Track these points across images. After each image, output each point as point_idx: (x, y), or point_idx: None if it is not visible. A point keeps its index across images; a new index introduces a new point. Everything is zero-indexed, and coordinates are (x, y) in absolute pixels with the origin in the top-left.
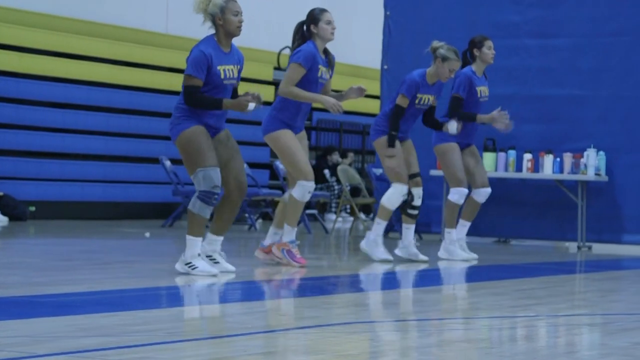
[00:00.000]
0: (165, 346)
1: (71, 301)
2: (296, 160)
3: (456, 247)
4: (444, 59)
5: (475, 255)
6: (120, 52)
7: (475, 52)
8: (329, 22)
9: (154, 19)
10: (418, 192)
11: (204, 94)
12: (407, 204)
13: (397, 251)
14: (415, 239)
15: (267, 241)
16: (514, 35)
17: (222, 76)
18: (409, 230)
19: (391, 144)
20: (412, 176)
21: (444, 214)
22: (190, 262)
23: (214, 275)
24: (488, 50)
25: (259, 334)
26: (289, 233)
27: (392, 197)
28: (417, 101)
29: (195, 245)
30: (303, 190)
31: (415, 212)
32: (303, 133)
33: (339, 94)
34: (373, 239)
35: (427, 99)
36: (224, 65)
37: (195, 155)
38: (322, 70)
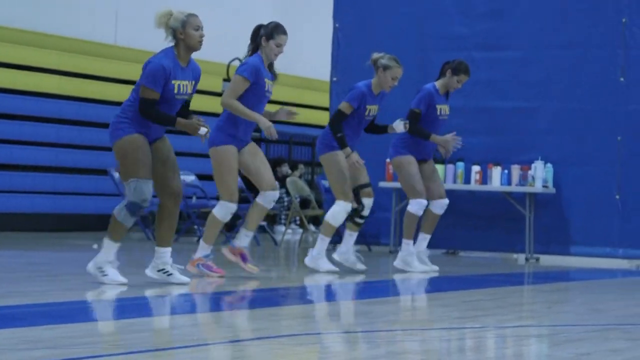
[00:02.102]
0: (110, 358)
1: (14, 313)
2: (224, 180)
3: (414, 259)
4: (385, 67)
5: (435, 267)
6: (69, 63)
7: (448, 73)
8: (279, 45)
9: (102, 30)
10: (369, 202)
11: (158, 107)
12: (356, 212)
13: (334, 255)
14: (354, 250)
15: (237, 242)
16: (461, 48)
17: (176, 91)
18: (351, 237)
19: (343, 146)
20: (363, 186)
21: (404, 225)
22: (101, 267)
23: (123, 284)
24: (457, 83)
25: (204, 346)
26: (204, 249)
27: (337, 214)
28: (366, 113)
29: (110, 249)
30: (226, 210)
31: (362, 221)
32: (253, 146)
33: (269, 113)
34: (316, 255)
35: (375, 109)
36: (180, 80)
37: (132, 164)
38: (269, 84)
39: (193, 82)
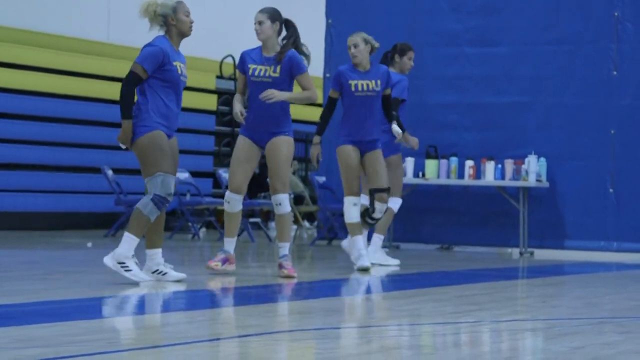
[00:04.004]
0: (105, 356)
1: (9, 312)
2: (229, 171)
3: (383, 253)
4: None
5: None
6: (62, 62)
7: (397, 58)
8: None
9: (95, 28)
10: (380, 207)
11: (156, 93)
12: (367, 212)
13: (343, 242)
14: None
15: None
16: (454, 44)
17: (179, 72)
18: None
19: (318, 132)
20: (377, 190)
21: (382, 221)
22: (124, 263)
23: (146, 281)
24: (410, 61)
25: (199, 343)
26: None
27: (346, 212)
28: (352, 88)
29: (132, 244)
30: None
31: (372, 222)
32: (273, 142)
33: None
34: (373, 251)
35: (364, 84)
36: (178, 62)
37: (159, 158)
38: (261, 68)
39: (185, 67)
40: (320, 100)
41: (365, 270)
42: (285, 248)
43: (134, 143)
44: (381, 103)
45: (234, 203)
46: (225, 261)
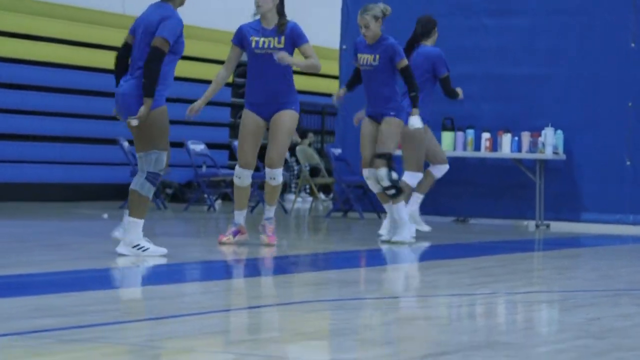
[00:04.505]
0: (121, 326)
1: (25, 282)
2: (238, 147)
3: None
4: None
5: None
6: (78, 33)
7: (433, 33)
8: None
9: (111, 0)
10: (381, 174)
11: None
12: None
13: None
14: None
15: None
16: (472, 15)
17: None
18: (394, 208)
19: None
20: (376, 156)
21: (424, 181)
22: (138, 244)
23: (164, 255)
24: (436, 32)
25: (214, 313)
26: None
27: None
28: (361, 62)
29: (138, 227)
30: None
31: (390, 192)
32: (278, 114)
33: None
34: (410, 210)
35: (369, 58)
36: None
37: (160, 136)
38: (265, 40)
39: None
40: (335, 72)
41: (395, 243)
42: (271, 211)
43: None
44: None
45: (244, 178)
46: (236, 233)
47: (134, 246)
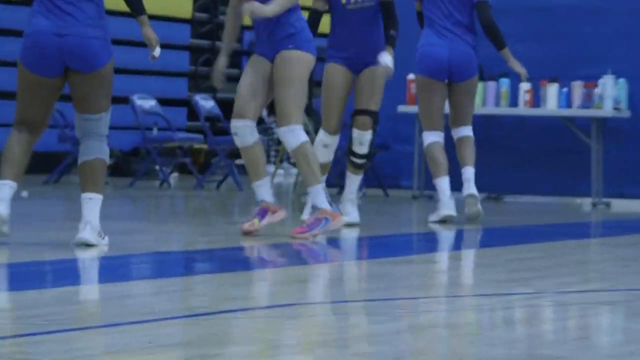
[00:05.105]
0: (47, 337)
1: None
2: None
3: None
4: None
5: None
6: None
7: None
8: None
9: None
10: (359, 135)
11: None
12: (348, 149)
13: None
14: (360, 195)
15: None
16: None
17: None
18: (350, 181)
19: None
20: (357, 112)
21: (468, 152)
22: (100, 231)
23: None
24: None
25: (169, 320)
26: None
27: (316, 149)
28: (341, 0)
29: (98, 206)
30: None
31: (360, 161)
32: (277, 60)
33: None
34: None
35: None
36: None
37: (110, 93)
38: None
39: None
40: None
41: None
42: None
43: (106, 67)
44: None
45: (242, 132)
46: (264, 214)
47: (99, 234)
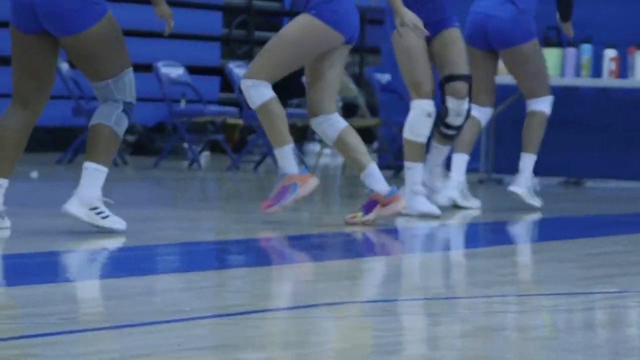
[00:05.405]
0: (58, 338)
1: None
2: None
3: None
4: None
5: (476, 204)
6: None
7: None
8: None
9: None
10: (456, 105)
11: None
12: (440, 120)
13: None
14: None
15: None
16: None
17: None
18: (437, 152)
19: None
20: (448, 79)
21: (527, 134)
22: (97, 208)
23: (122, 232)
24: None
25: (199, 320)
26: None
27: (413, 122)
28: None
29: (101, 179)
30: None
31: (452, 132)
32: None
33: None
34: (410, 191)
35: None
36: None
37: (120, 51)
38: None
39: None
40: None
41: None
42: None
43: (93, 29)
44: None
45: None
46: (287, 194)
47: (92, 208)
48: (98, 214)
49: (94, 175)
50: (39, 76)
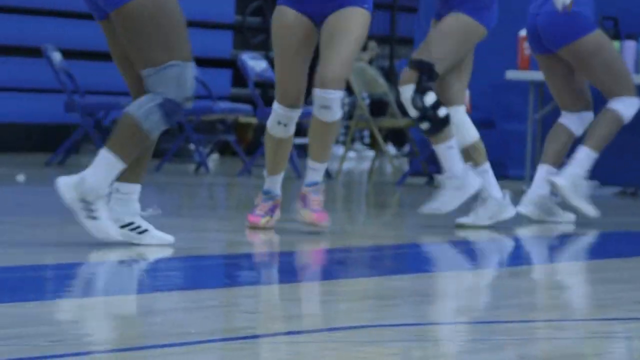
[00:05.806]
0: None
1: None
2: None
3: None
4: None
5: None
6: None
7: None
8: None
9: None
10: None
11: None
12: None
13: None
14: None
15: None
16: None
17: None
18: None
19: None
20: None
21: (592, 127)
22: (90, 203)
23: (113, 239)
24: None
25: (206, 344)
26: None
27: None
28: None
29: (111, 171)
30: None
31: (423, 125)
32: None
33: None
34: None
35: None
36: None
37: (171, 37)
38: None
39: None
40: None
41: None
42: (319, 172)
43: (122, 9)
44: None
45: (290, 123)
46: (274, 209)
47: (83, 200)
48: (86, 209)
49: (100, 162)
50: (127, 70)
